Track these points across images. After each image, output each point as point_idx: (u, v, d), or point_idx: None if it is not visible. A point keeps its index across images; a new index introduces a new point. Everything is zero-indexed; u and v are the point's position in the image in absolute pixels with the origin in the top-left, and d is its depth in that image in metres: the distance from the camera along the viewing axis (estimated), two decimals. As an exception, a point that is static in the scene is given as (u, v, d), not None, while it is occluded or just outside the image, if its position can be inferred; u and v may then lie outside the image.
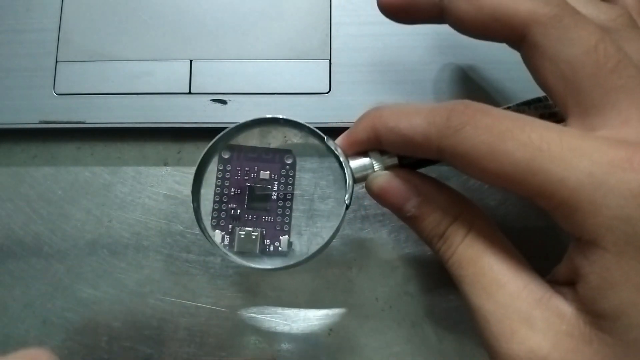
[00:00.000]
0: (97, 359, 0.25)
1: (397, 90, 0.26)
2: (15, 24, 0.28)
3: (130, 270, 0.26)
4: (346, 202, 0.21)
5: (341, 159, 0.21)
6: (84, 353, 0.25)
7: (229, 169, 0.24)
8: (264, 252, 0.24)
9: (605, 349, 0.15)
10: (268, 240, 0.24)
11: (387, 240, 0.26)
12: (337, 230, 0.21)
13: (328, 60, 0.27)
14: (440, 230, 0.19)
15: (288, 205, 0.24)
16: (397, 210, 0.20)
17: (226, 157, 0.24)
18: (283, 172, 0.24)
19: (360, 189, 0.24)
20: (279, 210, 0.24)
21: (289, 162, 0.24)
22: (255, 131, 0.24)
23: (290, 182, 0.24)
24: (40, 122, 0.26)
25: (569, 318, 0.16)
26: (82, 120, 0.26)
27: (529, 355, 0.16)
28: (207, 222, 0.23)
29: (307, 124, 0.22)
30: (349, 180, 0.20)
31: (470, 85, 0.26)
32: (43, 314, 0.26)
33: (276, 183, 0.24)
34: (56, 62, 0.27)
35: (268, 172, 0.24)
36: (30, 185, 0.27)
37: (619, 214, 0.15)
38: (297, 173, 0.24)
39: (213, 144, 0.22)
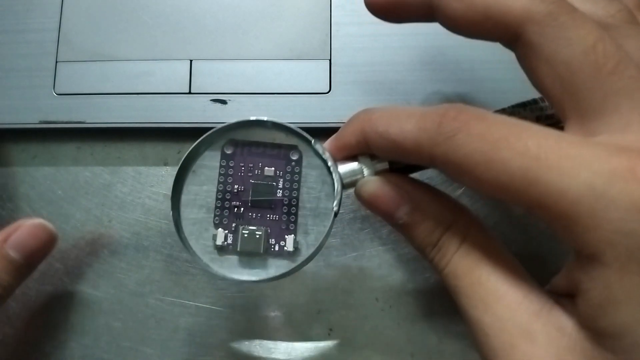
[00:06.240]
0: (97, 359, 0.25)
1: (397, 90, 0.26)
2: (15, 24, 0.28)
3: (130, 270, 0.26)
4: (334, 209, 0.19)
5: (329, 164, 0.20)
6: (84, 353, 0.25)
7: (232, 165, 0.23)
8: (269, 252, 0.23)
9: None
10: (273, 240, 0.23)
11: (387, 240, 0.26)
12: (325, 239, 0.20)
13: (328, 60, 0.27)
14: (434, 239, 0.18)
15: (294, 203, 0.23)
16: (388, 217, 0.19)
17: (229, 152, 0.23)
18: (289, 168, 0.23)
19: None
20: (285, 209, 0.23)
21: (294, 158, 0.23)
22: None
23: (296, 179, 0.23)
24: (40, 122, 0.26)
25: (570, 332, 0.16)
26: (82, 120, 0.26)
27: None
28: (186, 231, 0.22)
29: (294, 127, 0.20)
30: (337, 186, 0.19)
31: (471, 85, 0.26)
32: (44, 314, 0.26)
33: (281, 180, 0.23)
34: (56, 62, 0.27)
35: (273, 168, 0.23)
36: (30, 185, 0.27)
37: (621, 227, 0.14)
38: (303, 169, 0.23)
39: (194, 147, 0.21)
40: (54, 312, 0.26)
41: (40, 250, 0.23)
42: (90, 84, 0.27)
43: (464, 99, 0.26)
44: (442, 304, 0.25)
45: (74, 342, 0.25)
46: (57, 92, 0.27)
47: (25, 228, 0.23)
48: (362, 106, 0.26)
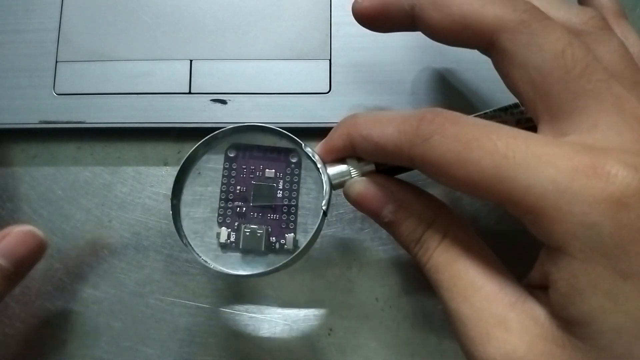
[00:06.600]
0: (97, 359, 0.25)
1: (397, 90, 0.26)
2: (15, 24, 0.28)
3: (130, 270, 0.26)
4: (323, 208, 0.21)
5: (318, 166, 0.21)
6: (84, 353, 0.25)
7: (234, 167, 0.24)
8: (270, 250, 0.24)
9: (578, 353, 0.15)
10: (274, 238, 0.24)
11: (387, 240, 0.26)
12: (315, 237, 0.21)
13: (328, 60, 0.27)
14: (417, 236, 0.19)
15: (293, 203, 0.24)
16: (375, 216, 0.20)
17: (232, 155, 0.24)
18: (288, 170, 0.24)
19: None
20: (285, 208, 0.24)
21: (294, 160, 0.24)
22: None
23: (295, 180, 0.24)
24: (40, 122, 0.26)
25: (543, 321, 0.16)
26: (82, 120, 0.26)
27: (504, 359, 0.16)
28: (184, 227, 0.23)
29: (284, 131, 0.22)
30: (326, 186, 0.21)
31: (471, 85, 0.26)
32: (43, 314, 0.26)
33: (281, 181, 0.24)
34: (56, 62, 0.27)
35: (273, 170, 0.24)
36: (30, 185, 0.27)
37: (583, 220, 0.15)
38: (302, 171, 0.24)
39: (192, 151, 0.22)
40: (54, 312, 0.26)
41: (30, 258, 0.23)
42: (90, 84, 0.27)
43: (464, 99, 0.26)
44: (442, 305, 0.25)
45: (74, 342, 0.25)
46: (57, 92, 0.27)
47: (14, 235, 0.22)
48: (362, 106, 0.26)
